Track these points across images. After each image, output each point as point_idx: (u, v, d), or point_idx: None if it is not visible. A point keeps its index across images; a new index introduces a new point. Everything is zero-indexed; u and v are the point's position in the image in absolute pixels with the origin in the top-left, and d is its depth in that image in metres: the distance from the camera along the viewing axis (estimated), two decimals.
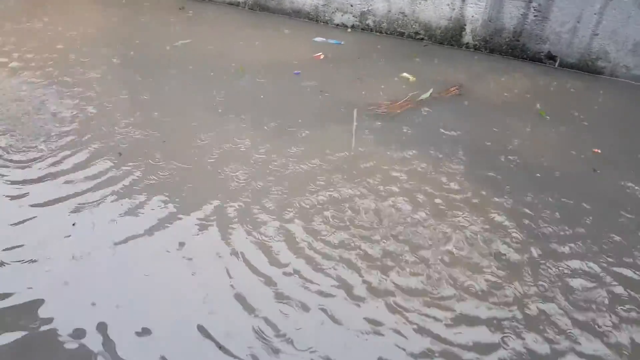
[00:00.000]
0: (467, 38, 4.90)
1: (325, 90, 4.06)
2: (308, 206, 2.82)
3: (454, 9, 4.79)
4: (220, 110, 3.71)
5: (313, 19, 5.43)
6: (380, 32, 5.23)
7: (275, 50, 4.76)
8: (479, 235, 2.66)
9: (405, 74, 4.39)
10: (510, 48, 4.78)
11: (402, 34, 5.15)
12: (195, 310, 2.21)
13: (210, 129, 3.46)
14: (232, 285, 2.33)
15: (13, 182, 2.91)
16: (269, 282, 2.36)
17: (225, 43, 4.87)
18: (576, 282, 2.41)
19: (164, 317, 2.18)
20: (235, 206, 2.79)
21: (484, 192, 2.99)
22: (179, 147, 3.25)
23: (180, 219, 2.70)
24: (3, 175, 2.96)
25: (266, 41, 4.96)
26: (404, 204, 2.87)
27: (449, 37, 4.97)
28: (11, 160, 3.08)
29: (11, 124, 3.43)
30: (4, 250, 2.46)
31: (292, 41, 4.96)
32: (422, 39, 5.08)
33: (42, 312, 2.18)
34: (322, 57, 4.65)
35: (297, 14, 5.48)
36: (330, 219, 2.74)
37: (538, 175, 3.17)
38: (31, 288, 2.28)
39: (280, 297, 2.29)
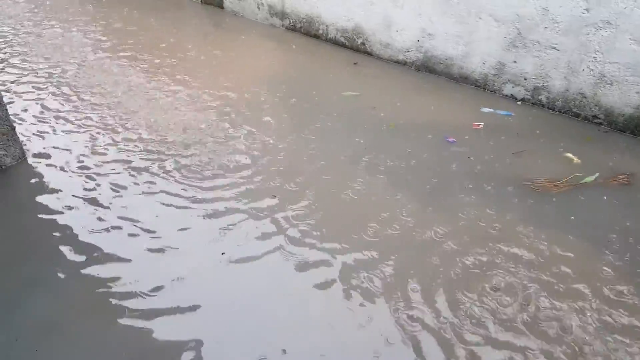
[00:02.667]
0: None
1: (477, 161, 3.87)
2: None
3: None
4: (367, 167, 3.76)
5: (480, 86, 5.29)
6: (553, 110, 4.86)
7: (431, 113, 4.71)
8: None
9: (569, 154, 3.99)
10: None
11: (577, 115, 4.72)
12: None
13: (355, 184, 3.51)
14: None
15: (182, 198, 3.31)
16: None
17: (384, 99, 4.97)
18: None
19: None
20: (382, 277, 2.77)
21: None
22: (328, 201, 3.33)
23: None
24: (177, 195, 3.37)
25: (425, 102, 4.93)
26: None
27: (633, 126, 4.41)
28: (188, 179, 3.51)
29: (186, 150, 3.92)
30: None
31: (452, 106, 4.86)
32: (601, 124, 4.58)
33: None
34: (481, 126, 4.47)
35: (464, 80, 5.39)
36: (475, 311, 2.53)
37: None
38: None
39: None
